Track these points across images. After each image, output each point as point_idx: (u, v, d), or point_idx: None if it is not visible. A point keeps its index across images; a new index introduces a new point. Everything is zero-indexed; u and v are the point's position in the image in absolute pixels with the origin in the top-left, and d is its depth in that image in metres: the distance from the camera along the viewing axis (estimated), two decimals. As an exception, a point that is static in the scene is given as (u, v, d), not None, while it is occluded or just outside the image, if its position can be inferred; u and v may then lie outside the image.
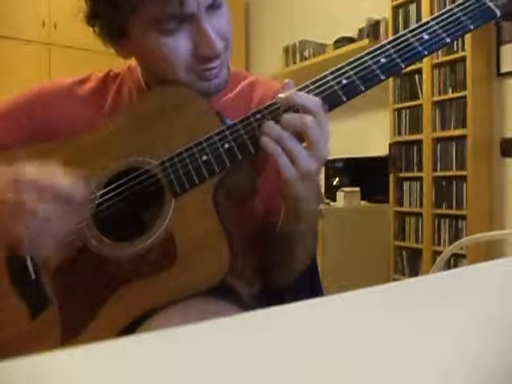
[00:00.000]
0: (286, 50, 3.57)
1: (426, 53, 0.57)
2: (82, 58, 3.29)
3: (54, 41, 3.41)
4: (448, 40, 0.58)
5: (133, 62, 0.71)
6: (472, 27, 0.58)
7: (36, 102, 0.71)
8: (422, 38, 0.58)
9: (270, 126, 0.55)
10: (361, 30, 2.97)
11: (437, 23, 0.59)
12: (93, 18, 0.62)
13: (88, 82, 0.73)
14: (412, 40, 0.58)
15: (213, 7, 0.60)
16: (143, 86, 0.70)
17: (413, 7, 2.58)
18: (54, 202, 0.51)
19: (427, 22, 0.59)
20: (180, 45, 0.59)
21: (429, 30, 0.58)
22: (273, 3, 3.90)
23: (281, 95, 0.56)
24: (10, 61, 3.20)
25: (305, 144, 0.55)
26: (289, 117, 0.55)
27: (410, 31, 0.59)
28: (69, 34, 3.37)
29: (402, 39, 0.58)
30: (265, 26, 4.00)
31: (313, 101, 0.55)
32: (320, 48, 3.28)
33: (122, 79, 0.73)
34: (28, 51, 3.30)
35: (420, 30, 0.58)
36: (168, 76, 0.62)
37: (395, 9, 2.66)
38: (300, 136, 0.55)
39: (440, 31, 0.58)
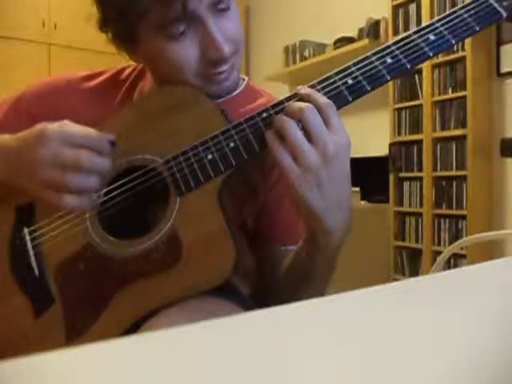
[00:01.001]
0: (286, 50, 3.57)
1: (431, 54, 0.58)
2: (81, 58, 3.30)
3: (54, 41, 3.42)
4: (453, 41, 0.58)
5: None
6: (478, 28, 0.58)
7: (45, 94, 0.70)
8: (427, 38, 0.58)
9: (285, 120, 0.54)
10: (361, 30, 2.97)
11: (442, 24, 0.59)
12: (105, 24, 0.62)
13: (97, 77, 0.72)
14: (418, 41, 0.58)
15: (219, 10, 0.59)
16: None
17: (413, 7, 2.59)
18: (89, 153, 0.55)
19: (433, 23, 0.59)
20: (188, 50, 0.59)
21: (435, 31, 0.58)
22: (273, 3, 3.90)
23: (302, 90, 0.56)
24: (10, 60, 3.21)
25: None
26: (290, 103, 0.55)
27: (416, 32, 0.59)
28: (69, 34, 3.38)
29: (407, 40, 0.58)
30: (265, 26, 4.00)
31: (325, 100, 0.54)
32: (320, 48, 3.28)
33: (135, 78, 0.72)
34: (28, 51, 3.30)
35: (426, 30, 0.58)
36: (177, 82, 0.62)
37: (395, 8, 2.66)
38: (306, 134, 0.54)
39: (445, 32, 0.58)
